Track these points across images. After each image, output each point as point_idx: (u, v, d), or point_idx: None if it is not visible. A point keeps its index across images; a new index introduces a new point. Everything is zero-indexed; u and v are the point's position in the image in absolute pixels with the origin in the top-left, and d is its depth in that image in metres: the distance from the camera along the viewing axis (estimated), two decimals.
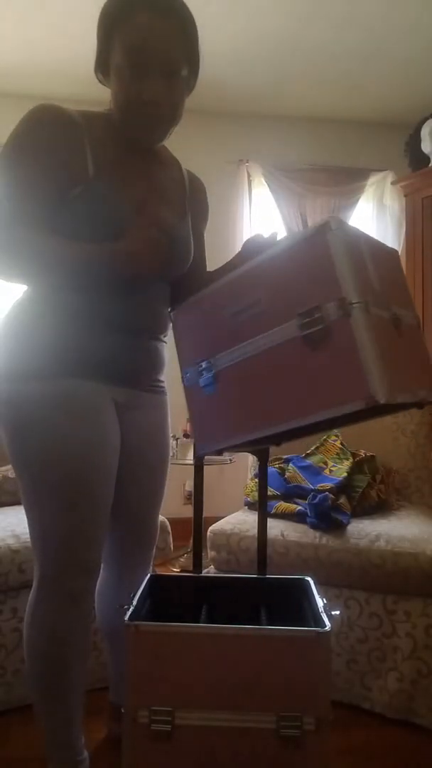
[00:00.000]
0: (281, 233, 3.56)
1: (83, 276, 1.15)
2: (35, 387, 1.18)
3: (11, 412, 1.20)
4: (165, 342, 1.38)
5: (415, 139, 3.59)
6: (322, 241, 0.92)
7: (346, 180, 3.78)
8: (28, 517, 1.24)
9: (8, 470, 2.26)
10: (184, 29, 1.17)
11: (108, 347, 1.23)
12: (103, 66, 1.21)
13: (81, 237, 1.16)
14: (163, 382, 1.43)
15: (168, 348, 1.39)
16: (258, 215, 3.78)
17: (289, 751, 1.03)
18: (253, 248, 1.21)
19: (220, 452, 1.14)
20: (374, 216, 3.87)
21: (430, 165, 3.41)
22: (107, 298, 1.21)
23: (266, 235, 1.23)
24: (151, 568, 1.54)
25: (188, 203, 1.37)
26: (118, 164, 1.22)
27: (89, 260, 1.13)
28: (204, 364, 1.11)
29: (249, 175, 3.73)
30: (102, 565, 1.44)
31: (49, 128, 1.14)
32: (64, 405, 1.19)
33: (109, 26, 1.16)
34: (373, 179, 3.84)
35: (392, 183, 3.74)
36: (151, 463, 1.41)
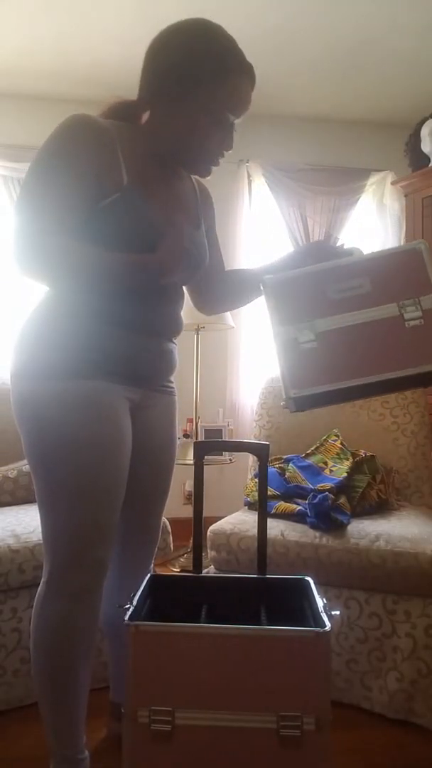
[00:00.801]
0: (282, 233, 3.53)
1: (111, 282, 1.18)
2: (54, 386, 1.21)
3: (30, 410, 1.23)
4: (176, 344, 1.42)
5: (415, 139, 3.59)
6: (417, 251, 1.34)
7: (346, 180, 3.78)
8: (41, 514, 1.27)
9: (8, 470, 2.26)
10: (253, 87, 1.30)
11: (126, 349, 1.27)
12: (173, 91, 1.22)
13: (111, 243, 1.19)
14: (173, 383, 1.47)
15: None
16: (258, 215, 3.78)
17: (289, 751, 1.03)
18: (324, 250, 1.38)
19: (309, 405, 1.33)
20: (374, 216, 3.87)
21: (430, 165, 3.41)
22: (127, 301, 1.25)
23: (336, 243, 1.41)
24: (152, 567, 1.55)
25: (200, 211, 1.43)
26: (146, 175, 1.26)
27: (119, 267, 1.16)
28: (305, 325, 1.34)
29: (249, 175, 3.73)
30: None
31: (84, 137, 1.18)
32: (81, 405, 1.21)
33: (206, 70, 1.20)
34: (373, 179, 3.83)
35: (392, 183, 3.74)
36: (158, 461, 1.44)
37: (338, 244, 1.41)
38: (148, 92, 1.26)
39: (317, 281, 1.36)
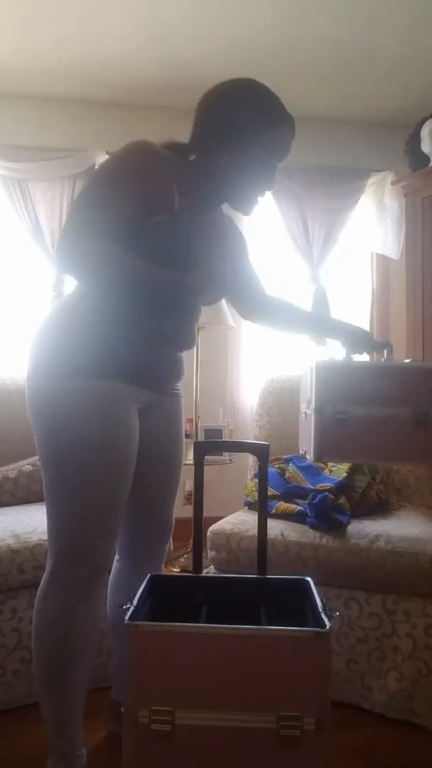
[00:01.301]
0: (282, 233, 3.52)
1: (147, 292, 1.28)
2: (71, 383, 1.27)
3: (46, 406, 1.29)
4: (184, 354, 1.52)
5: (415, 139, 3.59)
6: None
7: (346, 180, 3.78)
8: (47, 507, 1.32)
9: (8, 470, 2.26)
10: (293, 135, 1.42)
11: (141, 355, 1.34)
12: (227, 139, 1.34)
13: (152, 258, 1.26)
14: (179, 387, 1.56)
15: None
16: (258, 215, 3.78)
17: (289, 751, 1.03)
18: (366, 342, 1.70)
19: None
20: (374, 216, 3.87)
21: (430, 165, 3.41)
22: (149, 312, 1.33)
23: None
24: (163, 565, 1.60)
25: (228, 243, 1.56)
26: (193, 204, 1.37)
27: (157, 282, 1.26)
28: (341, 407, 1.70)
29: None
30: (116, 559, 1.55)
31: (146, 159, 1.28)
32: (94, 403, 1.28)
33: (258, 122, 1.33)
34: (373, 179, 3.83)
35: (392, 183, 3.73)
36: (167, 459, 1.50)
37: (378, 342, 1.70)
38: (201, 139, 1.38)
39: (359, 376, 1.73)
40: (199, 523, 1.44)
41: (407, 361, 1.84)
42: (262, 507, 1.44)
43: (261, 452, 1.44)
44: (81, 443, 1.26)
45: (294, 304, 1.71)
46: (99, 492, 1.28)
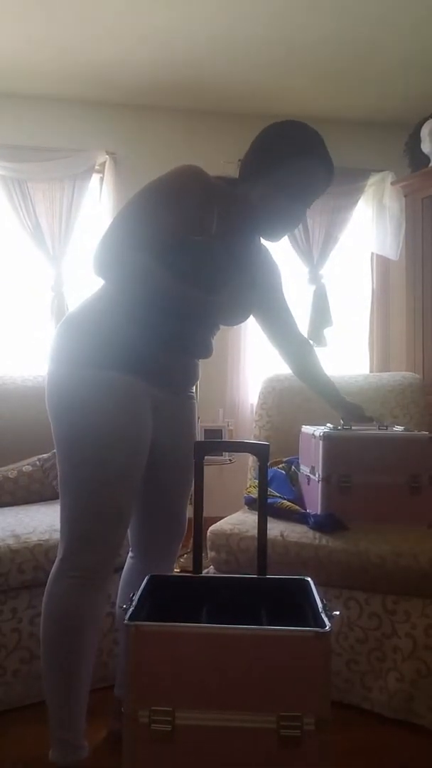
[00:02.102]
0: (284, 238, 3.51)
1: (172, 307, 1.36)
2: (91, 373, 1.34)
3: (65, 393, 1.36)
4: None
5: (414, 139, 3.59)
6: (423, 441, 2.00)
7: (346, 180, 3.78)
8: (61, 495, 1.37)
9: (8, 470, 2.26)
10: (331, 178, 1.48)
11: (161, 357, 1.41)
12: (264, 170, 1.41)
13: (183, 274, 1.33)
14: (193, 391, 1.63)
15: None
16: None
17: (289, 751, 1.03)
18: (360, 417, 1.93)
19: (338, 525, 1.90)
20: (374, 216, 3.87)
21: (430, 165, 3.41)
22: (173, 323, 1.39)
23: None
24: (174, 564, 1.64)
25: (259, 271, 1.60)
26: (231, 231, 1.43)
27: (184, 301, 1.35)
28: (345, 476, 1.94)
29: None
30: (130, 556, 1.61)
31: (193, 182, 1.36)
32: (113, 393, 1.34)
33: (291, 154, 1.40)
34: (373, 179, 3.83)
35: (392, 183, 3.73)
36: (181, 457, 1.54)
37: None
38: (245, 168, 1.46)
39: (361, 446, 1.96)
40: (199, 524, 1.44)
41: (399, 428, 2.04)
42: (261, 507, 1.44)
43: (261, 452, 1.44)
44: (96, 430, 1.32)
45: (314, 359, 1.82)
46: (112, 478, 1.33)
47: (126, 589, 1.61)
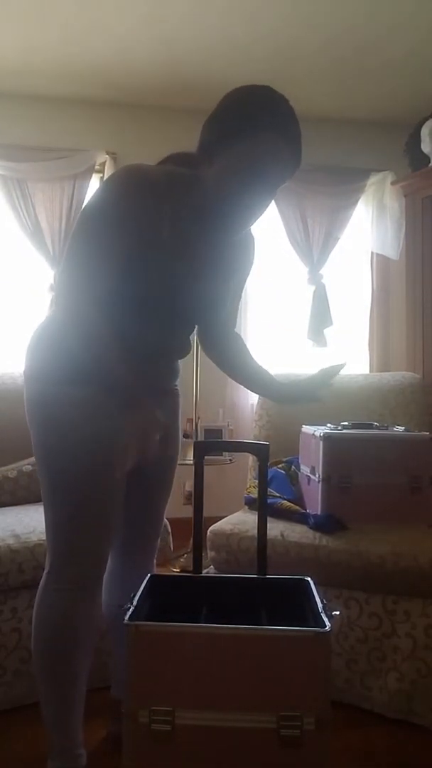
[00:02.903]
0: (282, 233, 3.50)
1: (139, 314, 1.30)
2: (62, 390, 1.28)
3: (39, 411, 1.32)
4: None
5: (415, 139, 3.59)
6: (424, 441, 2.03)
7: (346, 180, 3.77)
8: (44, 507, 1.33)
9: (8, 470, 2.26)
10: (298, 159, 1.33)
11: (135, 364, 1.30)
12: (216, 144, 1.25)
13: (132, 288, 1.26)
14: (177, 384, 1.54)
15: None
16: None
17: (289, 751, 1.03)
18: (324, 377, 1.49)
19: (338, 525, 1.90)
20: (374, 216, 3.87)
21: (430, 165, 3.41)
22: (144, 328, 1.32)
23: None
24: (155, 560, 1.60)
25: (233, 264, 1.46)
26: (187, 229, 1.29)
27: (119, 385, 1.26)
28: (346, 476, 1.93)
29: None
30: (110, 556, 1.51)
31: (132, 194, 1.22)
32: (86, 410, 1.28)
33: (240, 123, 1.22)
34: (373, 179, 3.83)
35: (392, 183, 3.73)
36: (159, 459, 1.46)
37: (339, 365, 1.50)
38: (202, 145, 1.30)
39: (361, 447, 1.96)
40: (199, 523, 1.44)
41: (400, 429, 2.09)
42: (261, 507, 1.44)
43: (261, 452, 1.44)
44: (71, 446, 1.28)
45: (247, 354, 1.59)
46: (92, 492, 1.29)
47: (107, 591, 1.55)
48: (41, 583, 1.34)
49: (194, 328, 1.50)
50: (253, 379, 1.57)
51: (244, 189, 1.23)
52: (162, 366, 1.45)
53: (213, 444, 1.47)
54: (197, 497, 1.44)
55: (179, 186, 1.28)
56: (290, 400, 1.54)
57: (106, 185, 1.25)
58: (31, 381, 1.33)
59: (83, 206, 1.28)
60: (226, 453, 3.19)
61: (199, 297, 1.38)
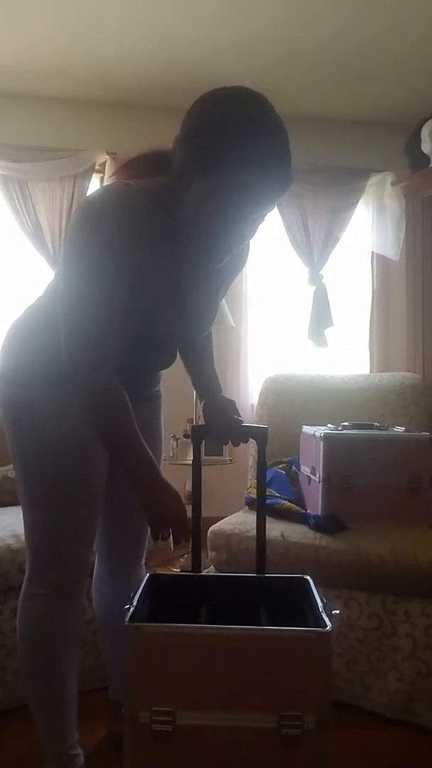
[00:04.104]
0: (282, 233, 3.50)
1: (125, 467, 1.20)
2: (36, 392, 1.25)
3: (12, 415, 1.28)
4: None
5: (415, 140, 3.59)
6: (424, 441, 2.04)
7: (346, 180, 3.78)
8: (22, 512, 1.32)
9: (8, 470, 2.26)
10: (287, 187, 1.14)
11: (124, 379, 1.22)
12: (197, 161, 1.08)
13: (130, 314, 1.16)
14: (158, 389, 1.51)
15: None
16: None
17: (290, 750, 1.03)
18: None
19: (339, 526, 1.90)
20: (374, 217, 3.87)
21: (430, 165, 3.41)
22: (125, 352, 1.19)
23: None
24: (143, 561, 1.57)
25: (224, 274, 1.36)
26: (168, 249, 1.19)
27: (136, 469, 1.18)
28: (346, 476, 1.93)
29: None
30: (96, 560, 1.53)
31: (111, 232, 1.09)
32: (61, 411, 1.24)
33: (231, 152, 1.04)
34: (373, 180, 3.83)
35: (392, 183, 3.73)
36: None
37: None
38: (178, 166, 1.12)
39: (362, 447, 1.96)
40: (197, 523, 1.43)
41: (400, 429, 2.09)
42: (261, 504, 1.43)
43: (260, 436, 1.43)
44: (45, 449, 1.25)
45: (205, 358, 1.54)
46: (69, 496, 1.27)
47: (98, 593, 1.55)
48: (22, 588, 1.32)
49: (179, 345, 1.44)
50: (198, 383, 1.53)
51: (226, 221, 1.09)
52: (145, 379, 1.41)
53: (210, 427, 1.44)
54: (195, 496, 1.43)
55: (157, 209, 1.15)
56: (210, 420, 1.44)
57: (80, 232, 1.12)
58: (4, 384, 1.29)
59: (73, 216, 1.19)
60: (227, 453, 3.19)
61: (186, 323, 1.30)
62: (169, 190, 1.16)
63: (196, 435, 1.45)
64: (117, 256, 1.10)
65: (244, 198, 1.06)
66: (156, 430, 1.49)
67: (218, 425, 1.41)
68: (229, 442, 1.42)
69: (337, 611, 1.17)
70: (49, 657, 1.31)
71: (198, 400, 1.50)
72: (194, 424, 3.27)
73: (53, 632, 1.30)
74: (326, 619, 1.09)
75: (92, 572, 1.57)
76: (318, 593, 1.22)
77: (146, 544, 1.57)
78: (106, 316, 1.11)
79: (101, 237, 1.09)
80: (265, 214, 1.13)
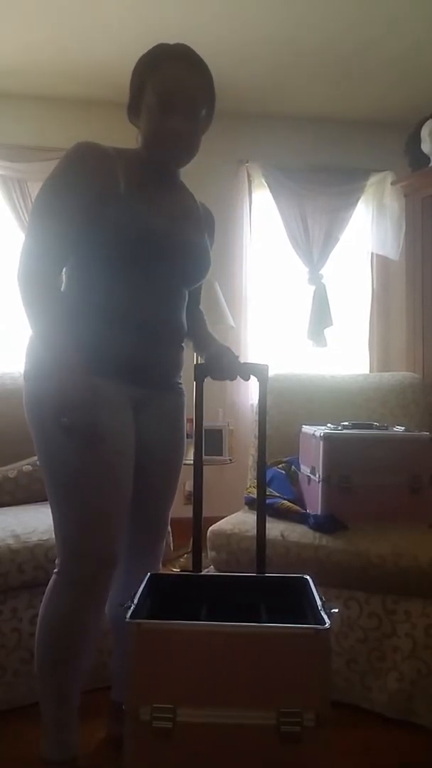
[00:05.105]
0: (282, 233, 3.51)
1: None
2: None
3: (36, 409, 1.30)
4: (183, 347, 1.48)
5: (415, 139, 3.58)
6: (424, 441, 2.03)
7: (346, 180, 3.78)
8: (51, 508, 1.33)
9: (8, 470, 2.26)
10: (205, 78, 1.35)
11: (132, 351, 1.33)
12: (135, 109, 1.39)
13: (115, 249, 1.30)
14: (181, 383, 1.52)
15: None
16: (258, 215, 3.78)
17: (290, 747, 1.03)
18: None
19: (339, 525, 1.90)
20: (374, 216, 3.87)
21: (430, 165, 3.41)
22: (133, 302, 1.33)
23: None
24: (160, 562, 1.59)
25: (203, 224, 1.50)
26: (146, 186, 1.35)
27: (49, 347, 1.22)
28: (346, 476, 1.93)
29: (249, 176, 3.73)
30: None
31: (83, 162, 1.30)
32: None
33: (143, 74, 1.34)
34: (373, 179, 3.83)
35: (392, 183, 3.73)
36: (163, 459, 1.48)
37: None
38: (131, 119, 1.42)
39: (361, 447, 1.97)
40: (198, 522, 1.43)
41: (400, 429, 2.09)
42: (261, 501, 1.43)
43: (261, 373, 1.43)
44: (72, 443, 1.25)
45: (204, 326, 1.68)
46: (99, 490, 1.28)
47: (112, 593, 1.53)
48: (51, 582, 1.34)
49: (184, 301, 1.45)
50: (198, 342, 1.63)
51: (158, 115, 1.31)
52: (160, 351, 1.39)
53: (211, 368, 1.44)
54: (196, 496, 1.43)
55: (126, 153, 1.36)
56: (211, 361, 1.49)
57: (58, 163, 1.32)
58: (28, 380, 1.33)
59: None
60: (227, 453, 3.19)
61: (179, 241, 1.37)
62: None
63: (198, 373, 1.44)
64: (77, 186, 1.28)
65: (172, 86, 1.30)
66: (178, 430, 1.51)
67: (220, 363, 1.47)
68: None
69: (336, 610, 1.17)
70: (70, 652, 1.33)
71: (198, 357, 1.55)
72: (194, 423, 3.27)
73: (78, 628, 1.32)
74: (325, 617, 1.09)
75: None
76: (318, 592, 1.22)
77: (169, 546, 1.59)
78: (53, 239, 1.26)
79: (54, 178, 1.30)
80: (191, 106, 1.32)
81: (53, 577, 1.34)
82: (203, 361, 1.50)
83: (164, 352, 1.41)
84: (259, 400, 1.45)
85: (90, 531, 1.29)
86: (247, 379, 1.48)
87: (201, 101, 1.34)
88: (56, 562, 1.34)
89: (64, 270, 1.35)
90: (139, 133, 1.38)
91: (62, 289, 1.37)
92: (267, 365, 1.43)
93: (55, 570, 1.34)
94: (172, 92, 1.30)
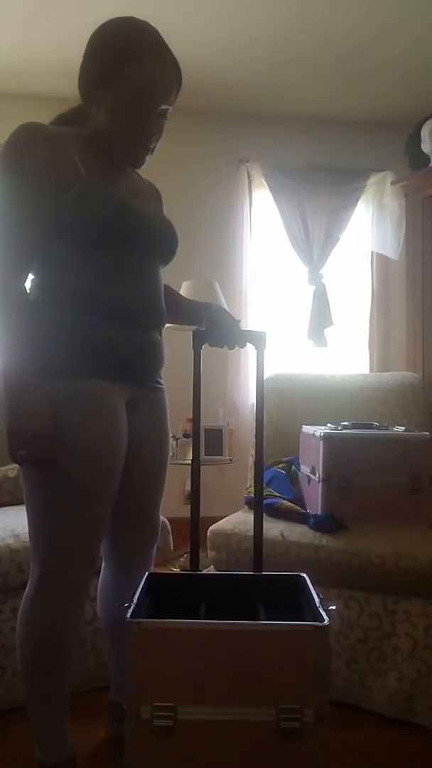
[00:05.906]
0: (282, 233, 3.51)
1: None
2: (48, 387, 1.20)
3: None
4: (162, 338, 1.43)
5: (415, 139, 3.59)
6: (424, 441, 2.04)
7: (346, 180, 3.78)
8: (29, 515, 1.27)
9: (8, 470, 2.26)
10: (179, 77, 1.31)
11: (112, 340, 1.27)
12: (101, 84, 1.28)
13: (87, 231, 1.24)
14: (161, 380, 1.48)
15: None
16: (258, 215, 3.78)
17: (290, 743, 1.03)
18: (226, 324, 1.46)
19: (339, 525, 1.90)
20: (374, 216, 3.87)
21: (430, 165, 3.41)
22: (107, 285, 1.27)
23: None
24: (152, 564, 1.55)
25: (157, 204, 1.51)
26: (102, 166, 1.32)
27: (11, 362, 1.17)
28: (346, 476, 1.93)
29: (249, 175, 3.73)
30: (103, 563, 1.50)
31: (35, 145, 1.22)
32: (76, 404, 1.23)
33: (120, 59, 1.26)
34: (373, 179, 3.83)
35: (392, 183, 3.73)
36: (152, 459, 1.44)
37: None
38: (82, 95, 1.33)
39: (362, 447, 1.96)
40: (196, 521, 1.42)
41: (399, 428, 2.09)
42: (258, 500, 1.43)
43: (259, 340, 1.43)
44: (62, 448, 1.20)
45: (182, 297, 1.62)
46: (84, 495, 1.24)
47: (104, 599, 1.53)
48: (27, 591, 1.30)
49: (161, 283, 1.41)
50: (186, 311, 1.58)
51: (137, 115, 1.27)
52: (142, 341, 1.34)
53: (211, 333, 1.42)
54: (195, 493, 1.43)
55: (75, 135, 1.30)
56: (210, 327, 1.47)
57: (4, 150, 1.23)
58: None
59: None
60: (227, 453, 3.19)
61: (151, 215, 1.35)
62: (81, 115, 1.35)
63: (197, 340, 1.41)
64: (32, 173, 1.20)
65: (149, 91, 1.25)
66: (164, 429, 1.47)
67: (220, 328, 1.44)
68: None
69: (333, 607, 1.17)
70: (57, 663, 1.29)
71: (198, 326, 1.51)
72: (192, 420, 3.27)
73: (61, 637, 1.28)
74: (323, 614, 1.09)
75: (99, 571, 1.54)
76: (315, 590, 1.22)
77: (156, 545, 1.54)
78: (18, 236, 1.20)
79: (9, 169, 1.21)
80: (161, 105, 1.28)
81: (31, 586, 1.29)
82: (204, 324, 1.47)
83: (146, 340, 1.35)
84: (257, 369, 1.44)
85: (75, 537, 1.25)
86: (243, 346, 1.47)
87: (172, 100, 1.33)
88: (33, 572, 1.29)
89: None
90: (102, 111, 1.28)
91: (31, 286, 1.30)
92: (265, 332, 1.41)
93: (33, 579, 1.29)
94: (156, 97, 1.27)
